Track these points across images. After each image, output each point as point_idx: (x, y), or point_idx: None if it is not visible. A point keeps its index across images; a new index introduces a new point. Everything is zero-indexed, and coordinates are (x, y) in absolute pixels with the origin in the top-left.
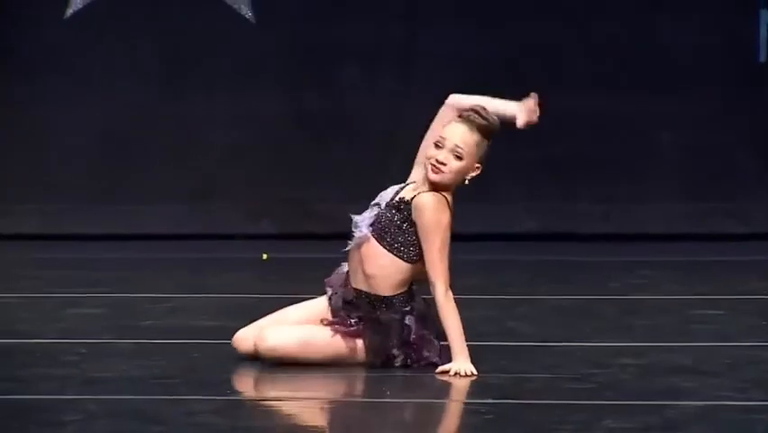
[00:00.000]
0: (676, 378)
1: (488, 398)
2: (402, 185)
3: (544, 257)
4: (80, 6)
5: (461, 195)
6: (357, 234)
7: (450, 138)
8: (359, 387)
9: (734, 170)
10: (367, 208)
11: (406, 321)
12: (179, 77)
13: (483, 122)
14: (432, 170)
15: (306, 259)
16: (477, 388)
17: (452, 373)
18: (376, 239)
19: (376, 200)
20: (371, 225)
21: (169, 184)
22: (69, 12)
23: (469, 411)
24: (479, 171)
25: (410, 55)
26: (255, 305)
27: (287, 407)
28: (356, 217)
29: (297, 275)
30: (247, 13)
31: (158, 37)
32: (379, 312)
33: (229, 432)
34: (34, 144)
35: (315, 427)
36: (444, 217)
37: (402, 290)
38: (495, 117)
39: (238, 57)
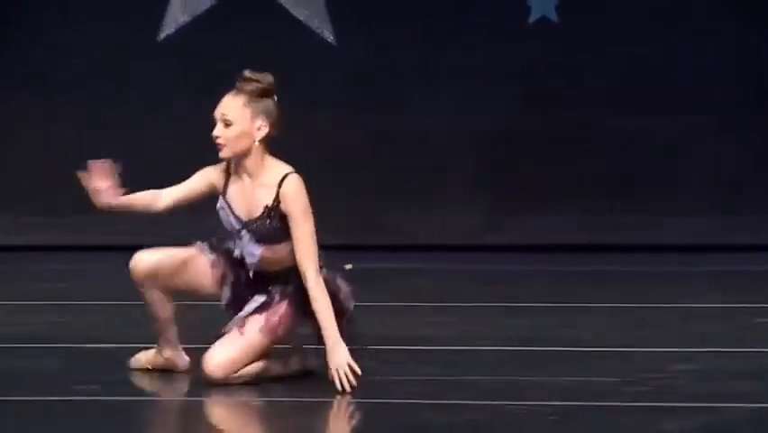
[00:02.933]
0: (732, 382)
1: (554, 400)
2: (228, 204)
3: (597, 267)
4: (176, 28)
5: (515, 206)
6: (253, 259)
7: (217, 110)
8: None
9: None
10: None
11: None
12: None
13: (244, 84)
14: (217, 149)
15: (374, 269)
16: (541, 391)
17: (332, 372)
18: (268, 246)
19: (235, 228)
20: (257, 242)
21: None
22: (162, 35)
23: (534, 413)
24: (267, 129)
25: (467, 76)
26: None
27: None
28: (240, 251)
29: (368, 285)
30: (329, 36)
31: (238, 57)
32: (292, 280)
33: None
34: None
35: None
36: (308, 200)
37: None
38: (263, 75)
39: (317, 76)
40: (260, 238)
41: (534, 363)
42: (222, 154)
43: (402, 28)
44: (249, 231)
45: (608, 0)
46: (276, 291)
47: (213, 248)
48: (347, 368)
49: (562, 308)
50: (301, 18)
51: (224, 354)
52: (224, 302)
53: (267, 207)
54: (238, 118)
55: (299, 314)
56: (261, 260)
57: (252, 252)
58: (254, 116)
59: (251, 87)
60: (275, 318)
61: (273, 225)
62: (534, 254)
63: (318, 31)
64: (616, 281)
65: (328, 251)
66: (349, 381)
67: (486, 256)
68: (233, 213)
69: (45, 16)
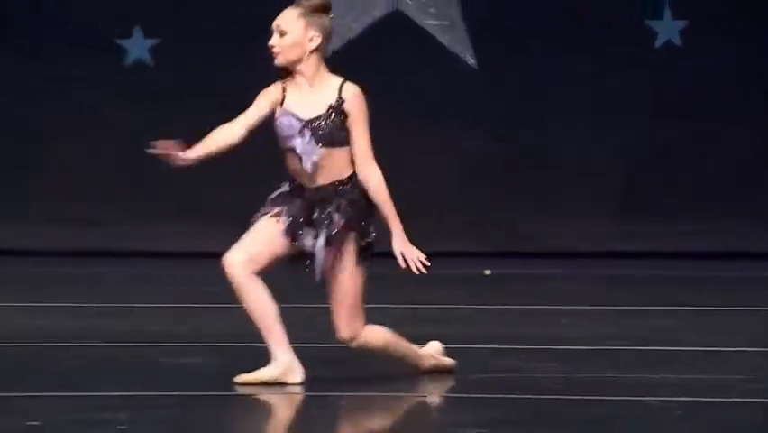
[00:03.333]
0: None
1: (680, 396)
2: (288, 110)
3: (710, 273)
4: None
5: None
6: (310, 160)
7: (274, 23)
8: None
9: None
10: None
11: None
12: (400, 114)
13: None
14: (273, 58)
15: (512, 274)
16: (667, 389)
17: (398, 254)
18: (327, 147)
19: (296, 128)
20: (317, 142)
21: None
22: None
23: (661, 409)
24: (319, 41)
25: (598, 93)
26: (475, 315)
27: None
28: (299, 150)
29: (509, 289)
30: (470, 60)
31: (384, 79)
32: (344, 194)
33: None
34: None
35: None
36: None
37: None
38: None
39: (460, 97)
40: (320, 138)
41: (658, 361)
42: (276, 62)
43: (542, 56)
44: (310, 129)
45: (733, 24)
46: (333, 211)
47: (274, 205)
48: (412, 250)
49: (681, 311)
50: (444, 43)
51: (343, 320)
52: (282, 228)
53: (330, 105)
54: (292, 28)
55: (359, 228)
56: (318, 164)
57: (311, 152)
58: (307, 28)
59: (308, 2)
60: (347, 253)
61: (335, 123)
62: (656, 260)
63: (462, 56)
64: (738, 286)
65: (471, 257)
66: (415, 263)
67: (612, 262)
68: (294, 116)
69: None
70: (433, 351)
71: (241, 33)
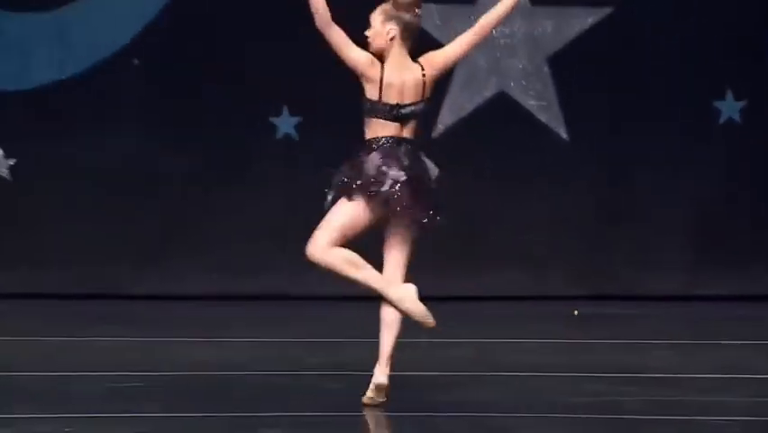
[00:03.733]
0: None
1: (740, 416)
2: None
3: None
4: None
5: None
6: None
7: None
8: None
9: None
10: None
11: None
12: (503, 178)
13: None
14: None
15: (605, 315)
16: (730, 409)
17: None
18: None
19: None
20: (414, 114)
21: (507, 250)
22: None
23: (722, 426)
24: (395, 33)
25: (674, 165)
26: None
27: None
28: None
29: (598, 326)
30: (562, 133)
31: (493, 155)
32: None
33: None
34: None
35: None
36: None
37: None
38: None
39: (551, 165)
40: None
41: (732, 387)
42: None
43: (625, 131)
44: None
45: None
46: (407, 164)
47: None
48: None
49: (757, 345)
50: (542, 120)
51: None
52: (359, 182)
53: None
54: (374, 23)
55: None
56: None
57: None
58: (385, 22)
59: (391, 1)
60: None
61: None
62: (732, 302)
63: (555, 130)
64: None
65: (566, 300)
66: None
67: (687, 304)
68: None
69: None
70: (406, 294)
71: None
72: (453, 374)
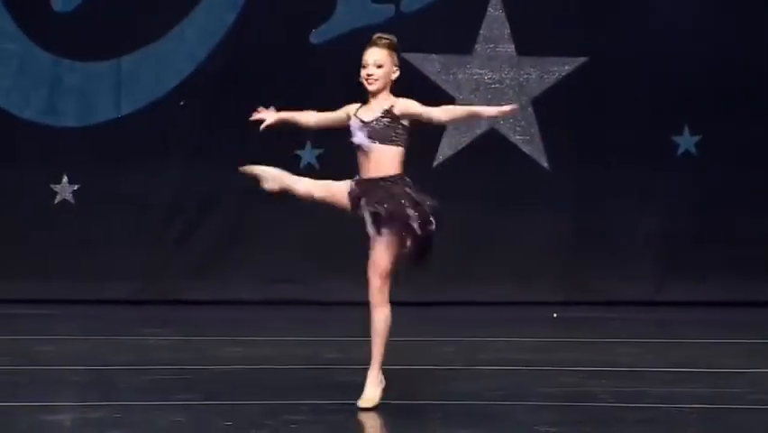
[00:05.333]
0: None
1: (697, 404)
2: (356, 117)
3: (731, 317)
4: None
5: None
6: (366, 145)
7: (369, 58)
8: None
9: None
10: None
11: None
12: (493, 205)
13: (385, 40)
14: (368, 83)
15: (579, 318)
16: (688, 398)
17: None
18: (376, 143)
19: (356, 126)
20: (370, 138)
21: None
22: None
23: (680, 413)
24: (398, 73)
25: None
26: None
27: None
28: (357, 140)
29: (573, 328)
30: (544, 163)
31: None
32: (392, 187)
33: None
34: None
35: None
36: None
37: (401, 170)
38: (392, 35)
39: (534, 191)
40: (372, 134)
41: (692, 380)
42: (372, 88)
43: (595, 162)
44: (367, 128)
45: None
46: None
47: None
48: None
49: (713, 343)
50: (526, 152)
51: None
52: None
53: (385, 109)
54: (386, 62)
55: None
56: (369, 154)
57: (365, 143)
58: (392, 62)
59: (388, 42)
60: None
61: (385, 122)
62: (691, 307)
63: (538, 161)
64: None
65: (546, 305)
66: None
67: (652, 309)
68: (359, 119)
69: None
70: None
71: None
72: (444, 368)
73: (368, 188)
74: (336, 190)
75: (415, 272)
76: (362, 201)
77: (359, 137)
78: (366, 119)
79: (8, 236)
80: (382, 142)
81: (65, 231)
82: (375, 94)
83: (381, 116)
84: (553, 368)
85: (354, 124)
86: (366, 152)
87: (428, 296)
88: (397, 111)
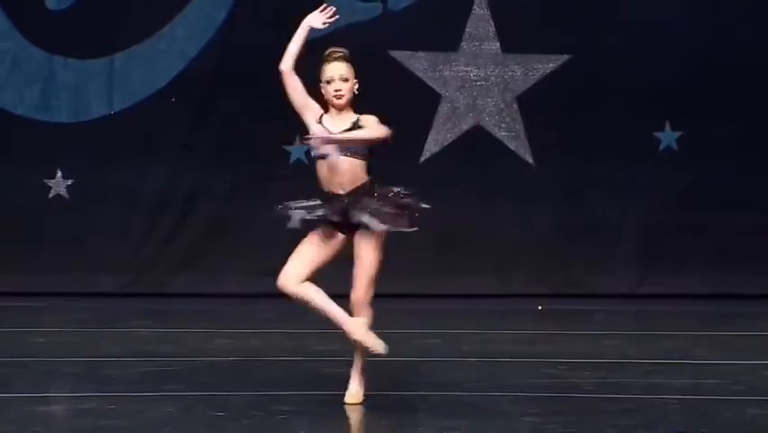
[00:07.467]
0: None
1: (678, 395)
2: (318, 125)
3: (724, 309)
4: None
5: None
6: (332, 157)
7: (335, 73)
8: None
9: None
10: None
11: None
12: (479, 197)
13: (341, 53)
14: (336, 98)
15: (562, 310)
16: (668, 388)
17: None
18: (351, 155)
19: (319, 134)
20: (343, 151)
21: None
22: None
23: (663, 403)
24: (357, 84)
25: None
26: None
27: None
28: (324, 152)
29: (556, 320)
30: (529, 159)
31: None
32: (365, 193)
33: None
34: None
35: None
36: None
37: (367, 179)
38: (343, 48)
39: (519, 185)
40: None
41: (672, 370)
42: (341, 102)
43: (579, 156)
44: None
45: None
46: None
47: (312, 213)
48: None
49: (693, 335)
50: (512, 148)
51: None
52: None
53: (353, 122)
54: (350, 76)
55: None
56: (340, 167)
57: (336, 156)
58: (354, 74)
59: (345, 54)
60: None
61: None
62: (672, 300)
63: (523, 156)
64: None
65: (530, 297)
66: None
67: (633, 301)
68: (327, 129)
69: None
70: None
71: None
72: (430, 360)
73: (354, 199)
74: (326, 242)
75: (399, 264)
76: (353, 211)
77: (325, 149)
78: (334, 130)
79: (3, 230)
80: (353, 154)
81: (59, 225)
82: (341, 108)
83: (351, 128)
84: (537, 360)
85: (318, 131)
86: (333, 165)
87: (413, 288)
88: (363, 125)
